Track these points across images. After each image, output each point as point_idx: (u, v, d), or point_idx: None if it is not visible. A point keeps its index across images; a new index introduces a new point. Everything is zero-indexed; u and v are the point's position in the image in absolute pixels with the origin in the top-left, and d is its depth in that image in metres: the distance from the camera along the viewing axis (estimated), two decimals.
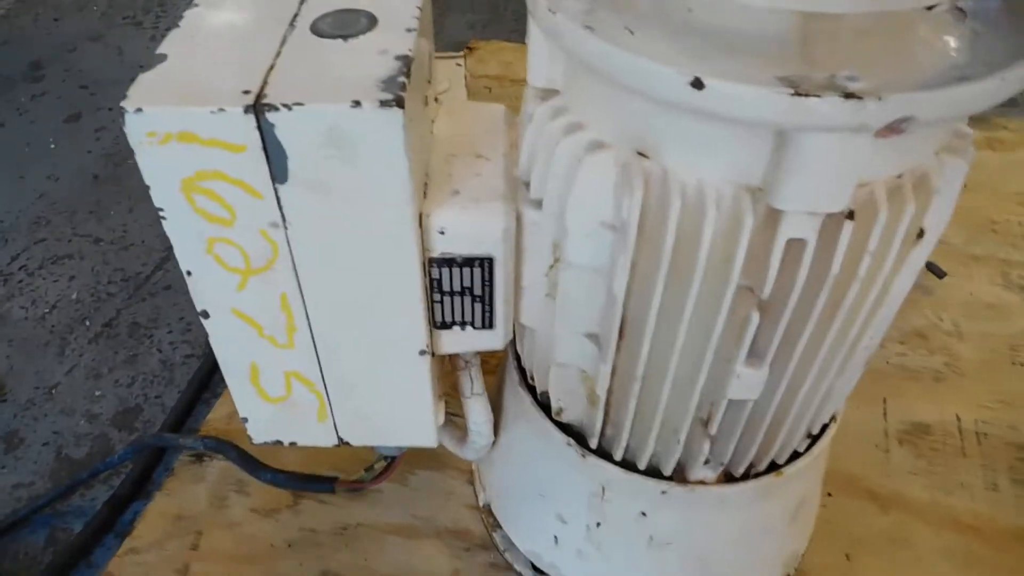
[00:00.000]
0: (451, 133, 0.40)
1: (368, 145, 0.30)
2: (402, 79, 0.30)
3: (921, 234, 0.32)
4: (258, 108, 0.29)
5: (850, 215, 0.29)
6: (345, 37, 0.33)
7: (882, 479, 0.62)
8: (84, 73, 1.47)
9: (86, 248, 1.06)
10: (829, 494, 0.61)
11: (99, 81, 1.45)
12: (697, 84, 0.25)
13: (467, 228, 0.35)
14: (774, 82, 0.25)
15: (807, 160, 0.27)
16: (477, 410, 0.49)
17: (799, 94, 0.25)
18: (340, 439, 0.45)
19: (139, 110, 0.29)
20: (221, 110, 0.29)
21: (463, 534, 0.58)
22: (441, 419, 0.45)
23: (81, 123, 1.34)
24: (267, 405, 0.43)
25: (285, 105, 0.29)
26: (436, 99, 0.42)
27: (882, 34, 0.27)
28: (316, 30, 0.33)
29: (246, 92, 0.30)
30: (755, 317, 0.32)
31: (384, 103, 0.29)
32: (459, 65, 0.47)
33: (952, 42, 0.28)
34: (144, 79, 0.31)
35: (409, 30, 0.33)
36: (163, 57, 0.32)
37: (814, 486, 0.49)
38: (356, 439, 0.45)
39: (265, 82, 0.30)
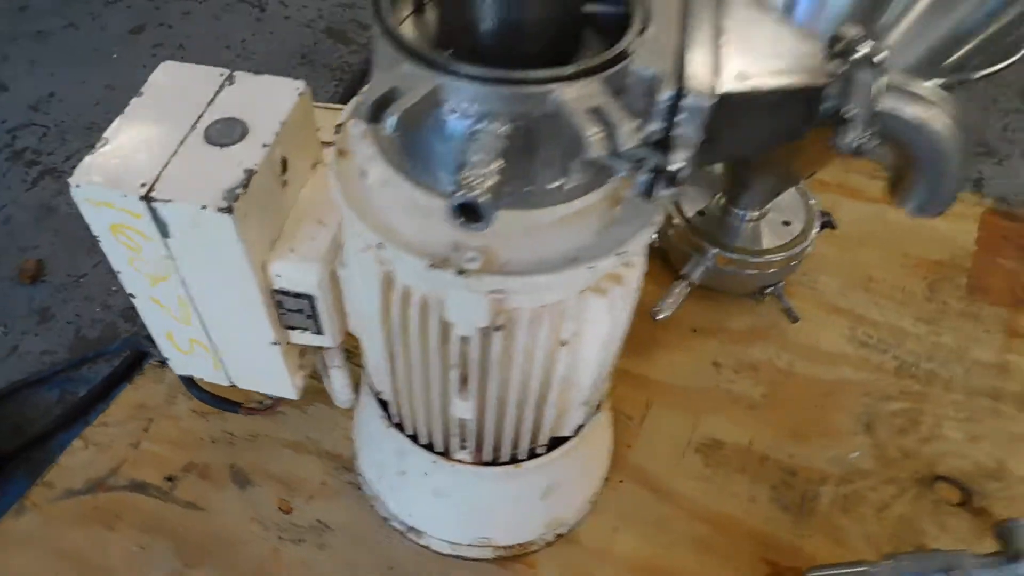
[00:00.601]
0: (313, 198, 0.56)
1: (214, 230, 0.47)
2: (239, 191, 0.47)
3: (565, 342, 0.48)
4: (148, 197, 0.47)
5: (498, 327, 0.45)
6: (221, 145, 0.50)
7: (669, 478, 0.79)
8: None
9: None
10: (621, 480, 0.78)
11: None
12: (380, 246, 0.42)
13: (294, 276, 0.53)
14: (425, 255, 0.41)
15: (453, 297, 0.43)
16: (336, 378, 0.67)
17: (433, 266, 0.41)
18: (231, 382, 0.65)
19: (78, 185, 0.47)
20: (126, 195, 0.47)
21: (337, 457, 0.78)
22: (300, 382, 0.64)
23: (143, 36, 1.52)
24: (180, 354, 0.62)
25: (163, 200, 0.47)
26: (314, 166, 0.58)
27: (525, 224, 0.42)
28: (206, 135, 0.50)
29: (143, 185, 0.47)
30: (454, 373, 0.50)
31: (220, 209, 0.46)
32: None
33: (585, 230, 0.44)
34: (88, 160, 0.49)
35: (265, 145, 0.50)
36: (105, 141, 0.50)
37: (566, 475, 0.67)
38: (241, 384, 0.65)
39: (157, 178, 0.48)
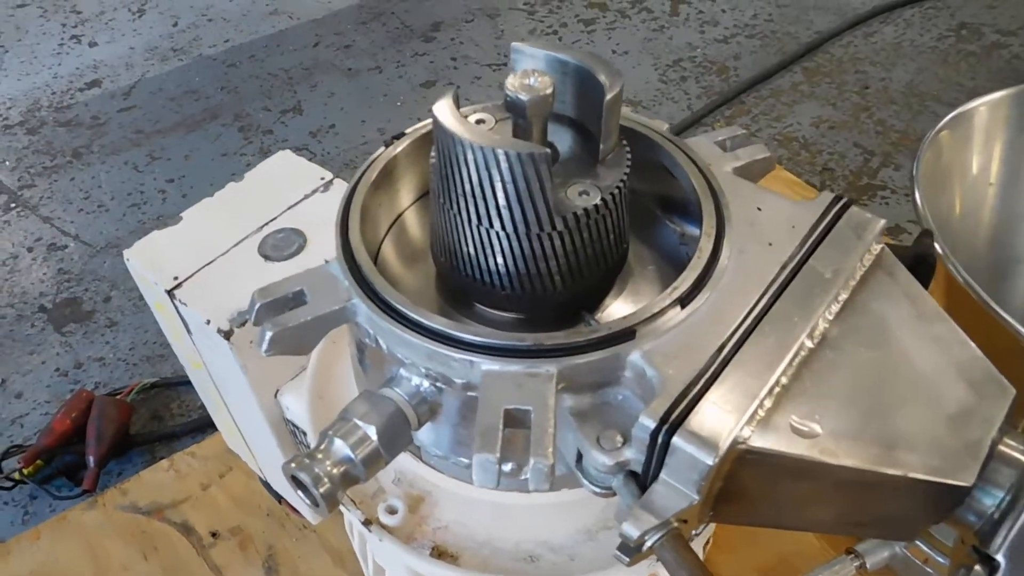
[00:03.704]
0: None
1: (216, 347, 0.43)
2: (248, 318, 0.42)
3: None
4: (171, 293, 0.44)
5: None
6: (267, 258, 0.46)
7: None
8: (463, 46, 1.73)
9: None
10: None
11: (467, 56, 1.70)
12: None
13: (297, 413, 0.47)
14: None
15: (372, 542, 0.34)
16: None
17: (367, 522, 0.32)
18: (266, 479, 0.61)
19: (129, 259, 0.47)
20: (157, 284, 0.45)
21: None
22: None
23: (430, 91, 1.62)
24: (228, 433, 0.60)
25: (181, 301, 0.44)
26: None
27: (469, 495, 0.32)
28: (262, 244, 0.47)
29: (175, 278, 0.45)
30: None
31: (221, 331, 0.42)
32: None
33: (553, 529, 0.32)
34: (151, 237, 0.48)
35: (308, 270, 0.45)
36: (178, 220, 0.49)
37: None
38: (274, 485, 0.61)
39: (190, 276, 0.45)
